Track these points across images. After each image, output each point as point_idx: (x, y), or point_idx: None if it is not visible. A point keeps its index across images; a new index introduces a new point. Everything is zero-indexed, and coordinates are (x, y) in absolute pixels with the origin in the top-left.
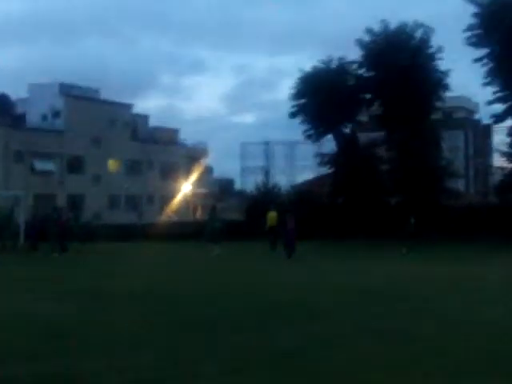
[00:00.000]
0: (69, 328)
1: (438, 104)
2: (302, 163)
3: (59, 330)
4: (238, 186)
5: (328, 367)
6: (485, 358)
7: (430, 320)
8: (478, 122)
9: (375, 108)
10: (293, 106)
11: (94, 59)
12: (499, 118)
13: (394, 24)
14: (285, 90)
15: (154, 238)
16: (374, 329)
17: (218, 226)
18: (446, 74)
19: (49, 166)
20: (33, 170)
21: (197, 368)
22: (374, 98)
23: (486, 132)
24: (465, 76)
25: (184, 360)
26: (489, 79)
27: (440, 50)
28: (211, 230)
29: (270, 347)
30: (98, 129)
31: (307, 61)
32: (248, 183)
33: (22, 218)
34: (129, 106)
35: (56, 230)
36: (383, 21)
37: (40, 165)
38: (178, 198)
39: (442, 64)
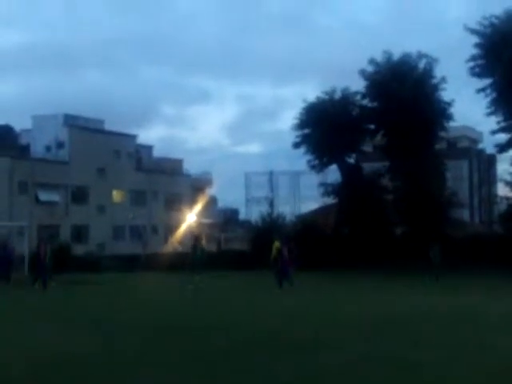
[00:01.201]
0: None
1: (442, 134)
2: (306, 193)
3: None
4: (242, 215)
5: None
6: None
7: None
8: (482, 151)
9: (379, 138)
10: (296, 136)
11: (96, 90)
12: (503, 147)
13: (397, 55)
14: (288, 119)
15: (157, 269)
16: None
17: (199, 256)
18: (449, 104)
19: (53, 196)
20: (37, 200)
21: None
22: (378, 128)
23: (490, 161)
24: (468, 106)
25: None
26: (492, 109)
27: (443, 80)
28: (193, 260)
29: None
30: (103, 159)
31: (310, 91)
32: (252, 213)
33: (26, 249)
34: (133, 137)
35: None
36: (386, 51)
37: (44, 195)
38: (183, 228)
39: (446, 94)
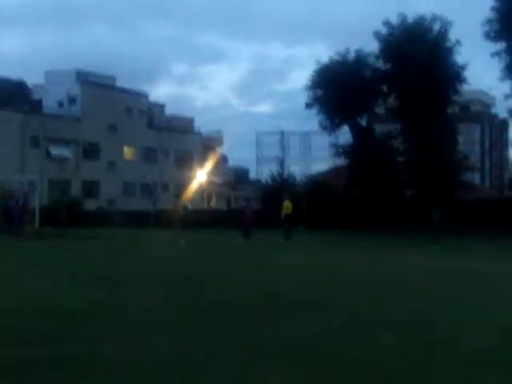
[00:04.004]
0: (82, 313)
1: (455, 97)
2: (316, 154)
3: (72, 315)
4: (252, 175)
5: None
6: (497, 347)
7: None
8: (495, 116)
9: (391, 100)
10: (309, 97)
11: (107, 47)
12: None
13: (411, 17)
14: (300, 80)
15: (167, 226)
16: (385, 319)
17: (183, 213)
18: (463, 67)
19: (65, 151)
20: (49, 155)
21: (208, 351)
22: (391, 91)
23: (502, 126)
24: (482, 70)
25: (196, 345)
26: (506, 73)
27: (458, 43)
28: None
29: (281, 335)
30: (114, 116)
31: (322, 52)
32: (263, 172)
33: (37, 202)
34: (145, 95)
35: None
36: (401, 14)
37: (56, 150)
38: (193, 187)
39: (460, 57)
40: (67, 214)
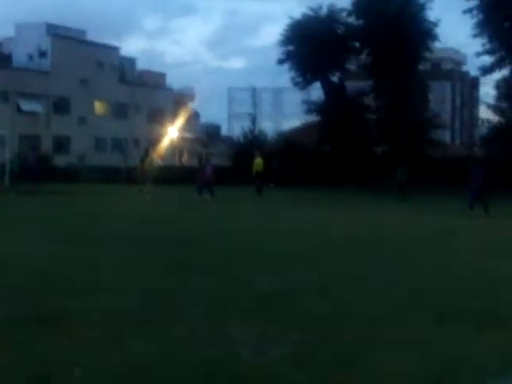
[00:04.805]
0: (52, 269)
1: (427, 54)
2: (288, 110)
3: (39, 271)
4: (224, 131)
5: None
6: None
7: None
8: (466, 73)
9: (364, 57)
10: (281, 53)
11: (76, 0)
12: (487, 70)
13: None
14: (272, 35)
15: (137, 182)
16: (356, 275)
17: (150, 169)
18: (435, 24)
19: (35, 106)
20: (19, 110)
21: (182, 310)
22: (363, 47)
23: (473, 84)
24: (454, 27)
25: (169, 302)
26: (478, 31)
27: (429, 0)
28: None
29: (254, 290)
30: (85, 70)
31: (295, 7)
32: (234, 129)
33: (7, 157)
34: (116, 49)
35: None
36: None
37: (26, 105)
38: (165, 143)
39: (432, 14)
40: (37, 168)
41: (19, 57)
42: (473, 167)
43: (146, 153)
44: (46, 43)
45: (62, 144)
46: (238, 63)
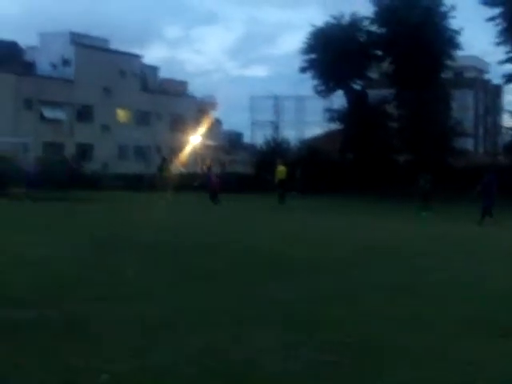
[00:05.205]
0: (78, 275)
1: (449, 63)
2: (310, 118)
3: (65, 277)
4: (246, 139)
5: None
6: (484, 317)
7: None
8: (489, 81)
9: (386, 65)
10: (303, 61)
11: (99, 9)
12: (510, 78)
13: None
14: (293, 44)
15: (159, 189)
16: (374, 284)
17: (169, 175)
18: (457, 32)
19: (59, 114)
20: (42, 117)
21: (201, 317)
22: (385, 55)
23: (496, 92)
24: (477, 35)
25: (188, 309)
26: (501, 39)
27: (452, 8)
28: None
29: (272, 298)
30: (108, 79)
31: (316, 16)
32: (257, 137)
33: (30, 164)
34: (138, 57)
35: None
36: None
37: (49, 113)
38: (187, 150)
39: (454, 23)
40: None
41: (43, 65)
42: (485, 175)
43: (164, 161)
44: (69, 52)
45: (85, 151)
46: (259, 71)
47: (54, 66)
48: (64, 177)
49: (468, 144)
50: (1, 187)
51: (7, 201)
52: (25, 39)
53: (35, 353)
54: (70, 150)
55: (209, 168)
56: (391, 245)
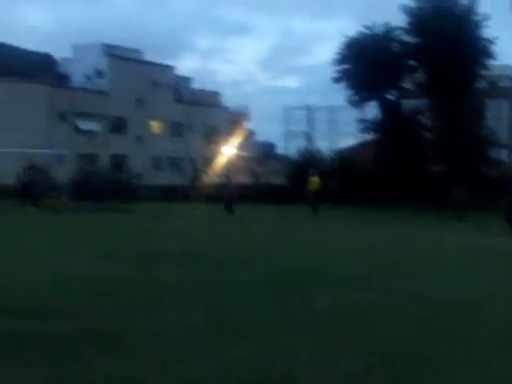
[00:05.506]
0: (113, 287)
1: (483, 72)
2: (343, 129)
3: (104, 289)
4: (278, 150)
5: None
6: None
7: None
8: None
9: (419, 75)
10: (336, 71)
11: (131, 21)
12: None
13: None
14: (324, 54)
15: (195, 200)
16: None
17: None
18: (491, 41)
19: (92, 125)
20: (77, 129)
21: (237, 327)
22: (419, 65)
23: None
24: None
25: (223, 320)
26: None
27: (486, 17)
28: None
29: (311, 309)
30: (141, 90)
31: (347, 26)
32: (290, 148)
33: (66, 176)
34: (171, 68)
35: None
36: None
37: (84, 124)
38: (220, 161)
39: (488, 32)
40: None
41: (77, 77)
42: (508, 182)
43: (196, 172)
44: (102, 63)
45: (119, 163)
46: (291, 82)
47: (88, 78)
48: (106, 188)
49: (502, 154)
50: (38, 198)
51: (43, 211)
52: (58, 51)
53: (69, 364)
54: (104, 162)
55: (228, 177)
56: (428, 256)
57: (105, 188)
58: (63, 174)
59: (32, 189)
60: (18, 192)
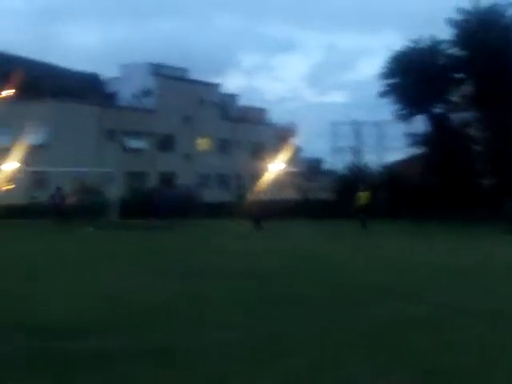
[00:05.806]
0: (158, 303)
1: None
2: (390, 143)
3: (148, 306)
4: (325, 165)
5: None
6: None
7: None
8: None
9: (466, 88)
10: (384, 86)
11: (177, 40)
12: None
13: (485, 2)
14: (369, 69)
15: (241, 216)
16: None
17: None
18: None
19: (140, 144)
20: (125, 148)
21: (287, 344)
22: (466, 78)
23: None
24: None
25: (274, 336)
26: None
27: None
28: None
29: (360, 323)
30: (188, 108)
31: (392, 41)
32: (337, 163)
33: (115, 195)
34: (217, 86)
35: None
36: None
37: (132, 143)
38: (267, 178)
39: None
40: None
41: (124, 96)
42: None
43: (243, 189)
44: (149, 82)
45: (168, 180)
46: (337, 97)
47: (135, 97)
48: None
49: None
50: (90, 218)
51: (95, 230)
52: (105, 70)
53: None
54: (153, 179)
55: (257, 194)
56: (479, 269)
57: (178, 206)
58: (113, 192)
59: (64, 208)
60: (51, 212)
